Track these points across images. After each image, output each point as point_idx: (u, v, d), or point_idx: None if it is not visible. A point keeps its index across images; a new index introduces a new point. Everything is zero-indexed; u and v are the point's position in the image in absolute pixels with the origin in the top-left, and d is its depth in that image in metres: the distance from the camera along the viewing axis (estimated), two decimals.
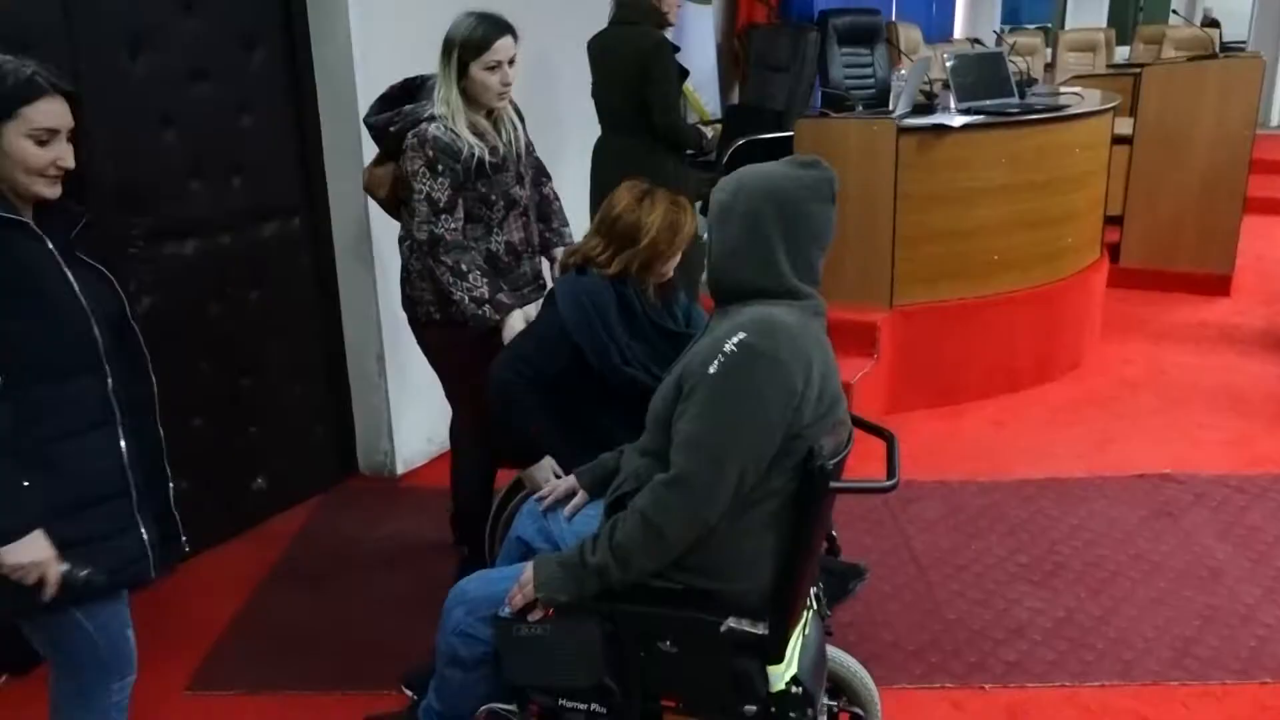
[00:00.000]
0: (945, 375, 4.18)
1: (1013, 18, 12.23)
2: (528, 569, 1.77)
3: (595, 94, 3.88)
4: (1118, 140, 4.97)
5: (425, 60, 2.78)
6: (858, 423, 1.93)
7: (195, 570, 3.09)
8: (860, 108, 4.70)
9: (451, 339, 2.68)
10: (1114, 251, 5.52)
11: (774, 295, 1.71)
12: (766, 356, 1.62)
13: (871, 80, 6.15)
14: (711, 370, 1.64)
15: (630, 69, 3.61)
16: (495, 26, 2.50)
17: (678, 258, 2.37)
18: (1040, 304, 4.34)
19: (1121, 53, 9.91)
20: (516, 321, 2.55)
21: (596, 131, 3.96)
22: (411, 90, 2.68)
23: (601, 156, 3.88)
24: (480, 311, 2.52)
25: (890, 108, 4.36)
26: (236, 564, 3.18)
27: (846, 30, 6.06)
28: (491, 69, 2.50)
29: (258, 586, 3.06)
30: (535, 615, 1.74)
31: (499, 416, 2.36)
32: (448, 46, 2.49)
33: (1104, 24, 11.85)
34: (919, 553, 3.09)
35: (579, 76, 3.95)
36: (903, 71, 4.55)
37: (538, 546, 2.07)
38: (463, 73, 2.49)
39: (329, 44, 3.38)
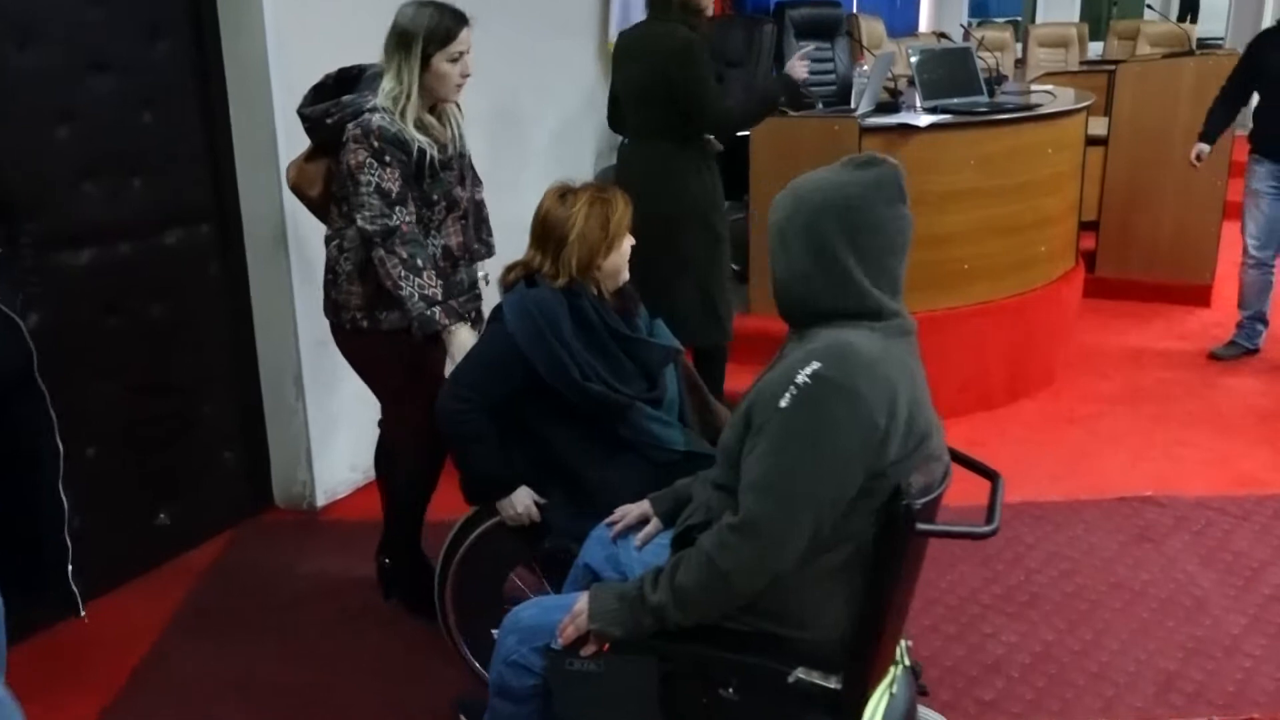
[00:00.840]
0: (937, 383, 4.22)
1: (981, 11, 12.49)
2: (583, 599, 1.76)
3: (620, 97, 3.79)
4: (1092, 141, 5.09)
5: (346, 52, 2.77)
6: (957, 458, 1.87)
7: (92, 616, 3.00)
8: (820, 105, 4.76)
9: (379, 349, 2.71)
10: (1089, 260, 5.64)
11: (853, 316, 1.66)
12: (844, 390, 1.57)
13: (832, 76, 6.22)
14: (783, 404, 1.60)
15: (656, 71, 3.53)
16: (457, 17, 2.59)
17: (619, 253, 2.40)
18: (1013, 316, 4.42)
19: (1095, 48, 10.16)
20: (464, 335, 2.54)
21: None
22: (347, 81, 2.71)
23: (628, 165, 3.77)
24: (429, 313, 2.52)
25: (852, 106, 4.42)
26: (137, 609, 3.11)
27: (805, 23, 6.12)
28: (454, 60, 2.60)
29: (161, 633, 2.99)
30: (588, 650, 1.73)
31: (454, 454, 2.40)
32: (406, 38, 2.55)
33: (1076, 18, 12.15)
34: None
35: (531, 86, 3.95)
36: (865, 67, 4.62)
37: (605, 575, 2.07)
38: (424, 65, 2.56)
39: (241, 34, 3.34)
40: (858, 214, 1.65)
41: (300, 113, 2.69)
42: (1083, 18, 12.36)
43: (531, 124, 4.56)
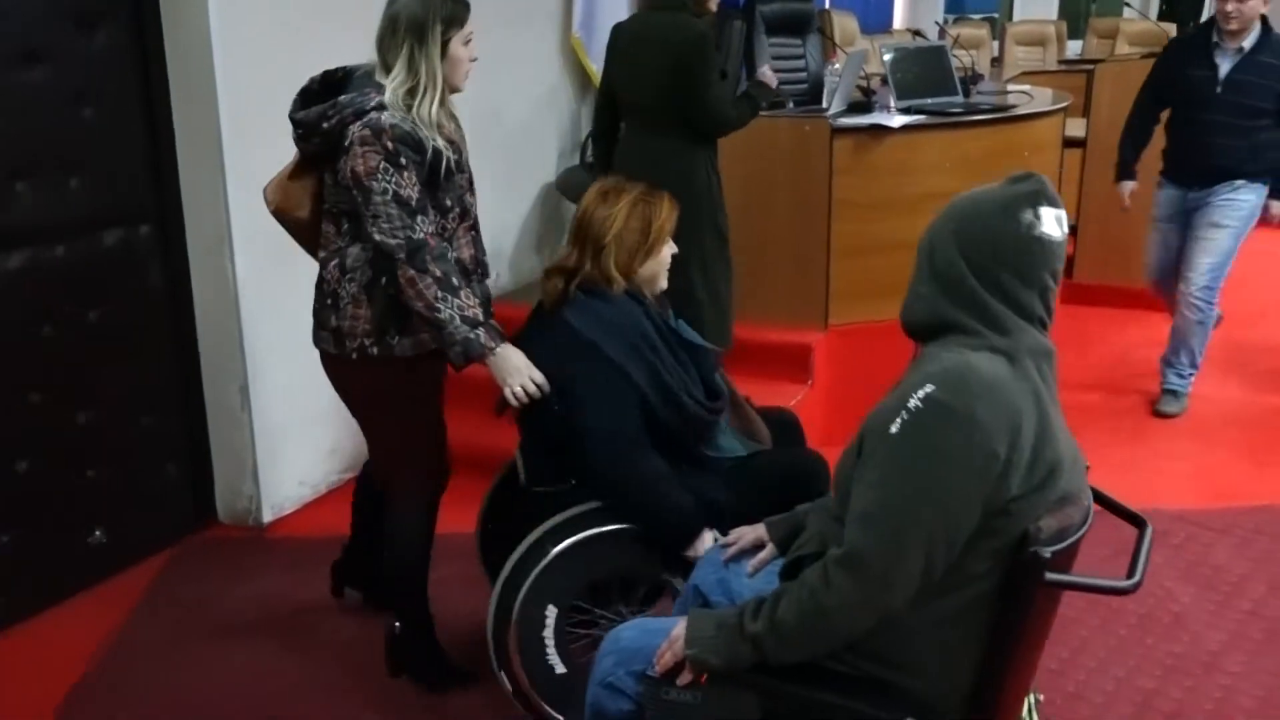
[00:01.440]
0: (828, 416, 4.23)
1: (957, 7, 12.61)
2: (681, 623, 1.73)
3: (619, 87, 3.77)
4: (1069, 143, 5.16)
5: (298, 42, 2.74)
6: (1100, 500, 1.81)
7: (20, 642, 2.98)
8: (791, 104, 4.80)
9: (392, 378, 2.54)
10: (1068, 265, 5.70)
11: (971, 332, 1.61)
12: (958, 415, 1.52)
13: (804, 74, 6.24)
14: (893, 430, 1.56)
15: (666, 61, 3.53)
16: None
17: (658, 260, 2.44)
18: None
19: (1074, 47, 10.30)
20: (514, 357, 2.39)
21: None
22: (333, 85, 2.53)
23: (628, 157, 3.74)
24: (473, 335, 2.36)
25: (824, 105, 4.46)
26: (70, 633, 3.07)
27: (776, 18, 6.14)
28: (467, 43, 2.49)
29: (95, 660, 2.95)
30: (684, 679, 1.71)
31: (644, 511, 2.28)
32: (418, 23, 2.39)
33: (1054, 16, 12.31)
34: None
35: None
36: (837, 66, 4.66)
37: (715, 600, 2.05)
38: (443, 51, 2.44)
39: (183, 25, 3.32)
40: (978, 223, 1.63)
41: (292, 118, 2.47)
42: (1061, 15, 12.52)
43: (489, 121, 4.55)
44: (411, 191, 2.37)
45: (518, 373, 2.38)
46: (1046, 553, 1.52)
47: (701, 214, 3.55)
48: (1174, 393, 4.59)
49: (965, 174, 4.24)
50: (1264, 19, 4.18)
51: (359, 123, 2.37)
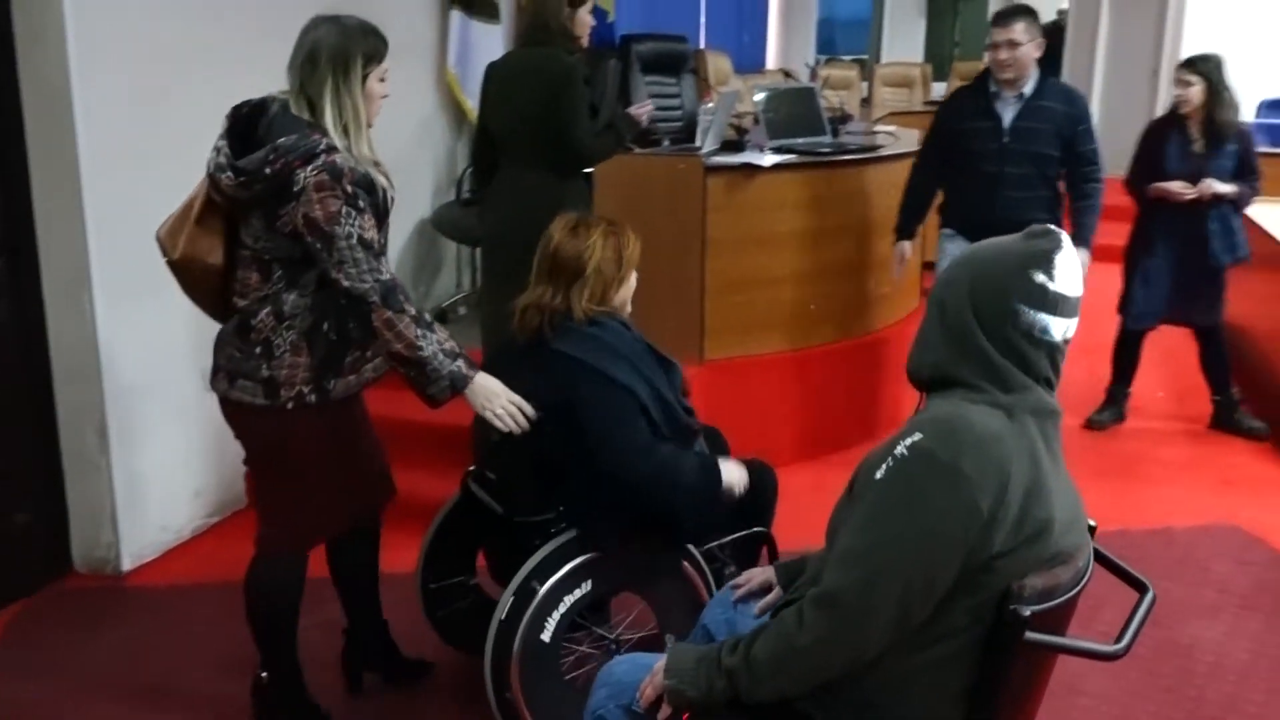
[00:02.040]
0: (762, 435, 4.32)
1: (828, 48, 13.02)
2: (664, 657, 1.74)
3: (494, 123, 3.78)
4: None
5: (160, 67, 2.67)
6: (1103, 561, 1.82)
7: None
8: (667, 142, 4.87)
9: (326, 423, 2.47)
10: None
11: (976, 388, 1.61)
12: (943, 465, 1.52)
13: (679, 112, 6.37)
14: (879, 475, 1.57)
15: (537, 95, 3.56)
16: (378, 33, 2.45)
17: (628, 286, 2.55)
18: (860, 356, 4.59)
19: (938, 89, 10.72)
20: (490, 382, 2.41)
21: None
22: (254, 121, 2.39)
23: (503, 193, 3.76)
24: (456, 367, 2.36)
25: (697, 144, 4.54)
26: None
27: (651, 57, 6.26)
28: (382, 79, 2.47)
29: None
30: (664, 713, 1.72)
31: (678, 494, 2.42)
32: (343, 56, 2.34)
33: (920, 59, 12.80)
34: None
35: None
36: (710, 105, 4.75)
37: (720, 639, 2.04)
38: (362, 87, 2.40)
39: (38, 45, 3.21)
40: (990, 279, 1.62)
41: (235, 166, 2.32)
42: (927, 58, 13.04)
43: None
44: (373, 234, 2.35)
45: (497, 397, 2.40)
46: (1026, 611, 1.52)
47: None
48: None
49: (834, 212, 4.38)
50: (1041, 63, 4.10)
51: (310, 167, 2.29)
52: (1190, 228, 4.57)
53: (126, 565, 3.58)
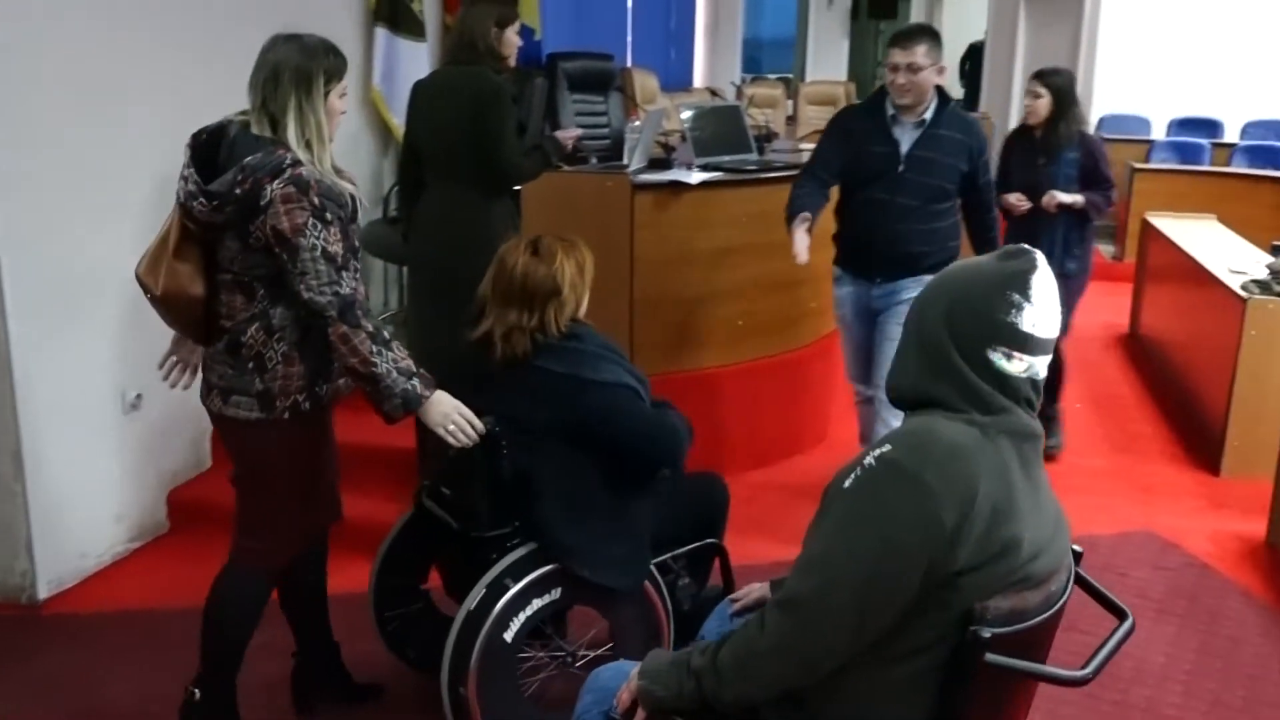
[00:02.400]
0: (695, 449, 4.36)
1: (754, 67, 13.17)
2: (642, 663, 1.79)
3: (421, 142, 3.76)
4: None
5: (75, 92, 2.63)
6: (1087, 588, 1.81)
7: None
8: (595, 160, 4.89)
9: (317, 428, 2.52)
10: None
11: (955, 408, 1.61)
12: (908, 476, 1.52)
13: (606, 130, 6.40)
14: (846, 485, 1.58)
15: (465, 114, 3.55)
16: (338, 51, 2.49)
17: (587, 297, 2.64)
18: (786, 372, 4.64)
19: None
20: (446, 402, 2.44)
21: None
22: (214, 146, 2.42)
23: (430, 211, 3.74)
24: (410, 385, 2.39)
25: (625, 161, 4.56)
26: None
27: (578, 76, 6.28)
28: (343, 96, 2.50)
29: None
30: (639, 716, 1.75)
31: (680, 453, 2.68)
32: (305, 74, 2.38)
33: (844, 77, 13.00)
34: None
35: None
36: (637, 123, 4.79)
37: None
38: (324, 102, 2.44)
39: None
40: (966, 300, 1.62)
41: (206, 191, 2.35)
42: (850, 76, 13.24)
43: None
44: (338, 247, 2.37)
45: (450, 414, 2.44)
46: (986, 633, 1.50)
47: None
48: None
49: (760, 229, 4.41)
50: (940, 89, 3.76)
51: (278, 180, 2.33)
52: (1035, 239, 4.45)
53: (43, 593, 3.49)
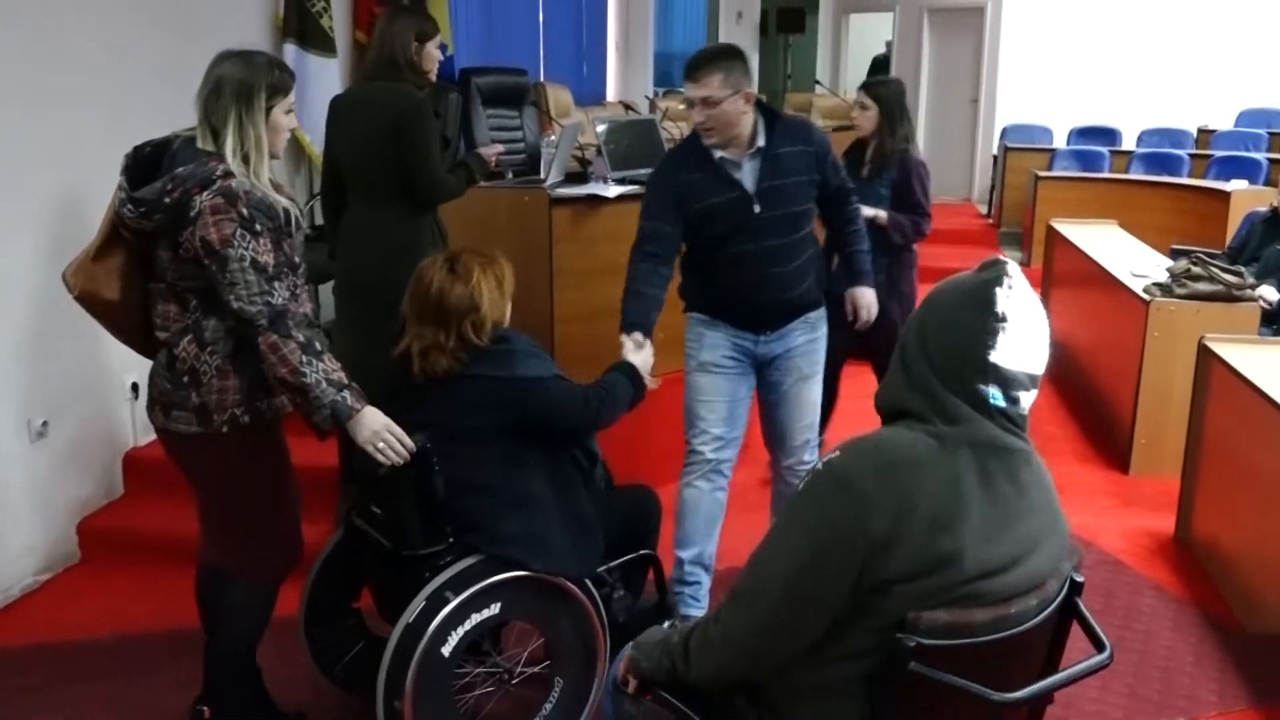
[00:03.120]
0: (619, 461, 4.36)
1: (666, 81, 13.23)
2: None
3: (341, 159, 3.71)
4: None
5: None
6: (1076, 616, 1.78)
7: None
8: (510, 175, 4.89)
9: (263, 444, 2.50)
10: None
11: (923, 419, 1.62)
12: (844, 483, 1.56)
13: (522, 145, 6.40)
14: (799, 487, 1.66)
15: (387, 130, 3.51)
16: (284, 66, 2.51)
17: (509, 306, 2.68)
18: None
19: None
20: (375, 418, 2.44)
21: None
22: (157, 159, 2.44)
23: (354, 228, 3.69)
24: (340, 397, 2.39)
25: (542, 175, 4.57)
26: None
27: (491, 90, 6.28)
28: (288, 111, 2.51)
29: None
30: (631, 685, 1.92)
31: (612, 417, 2.80)
32: (246, 89, 2.41)
33: (754, 89, 13.16)
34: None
35: None
36: (553, 137, 4.79)
37: None
38: (266, 117, 2.44)
39: None
40: (940, 311, 1.64)
41: (134, 198, 2.37)
42: (760, 89, 13.40)
43: None
44: (268, 258, 2.37)
45: (380, 431, 2.43)
46: (911, 642, 1.50)
47: None
48: None
49: None
50: (761, 104, 3.17)
51: (207, 191, 2.34)
52: None
53: None
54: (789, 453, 3.39)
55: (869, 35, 13.88)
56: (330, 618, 2.87)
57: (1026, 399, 1.66)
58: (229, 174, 2.37)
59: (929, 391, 1.62)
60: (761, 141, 3.11)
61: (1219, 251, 5.76)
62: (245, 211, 2.35)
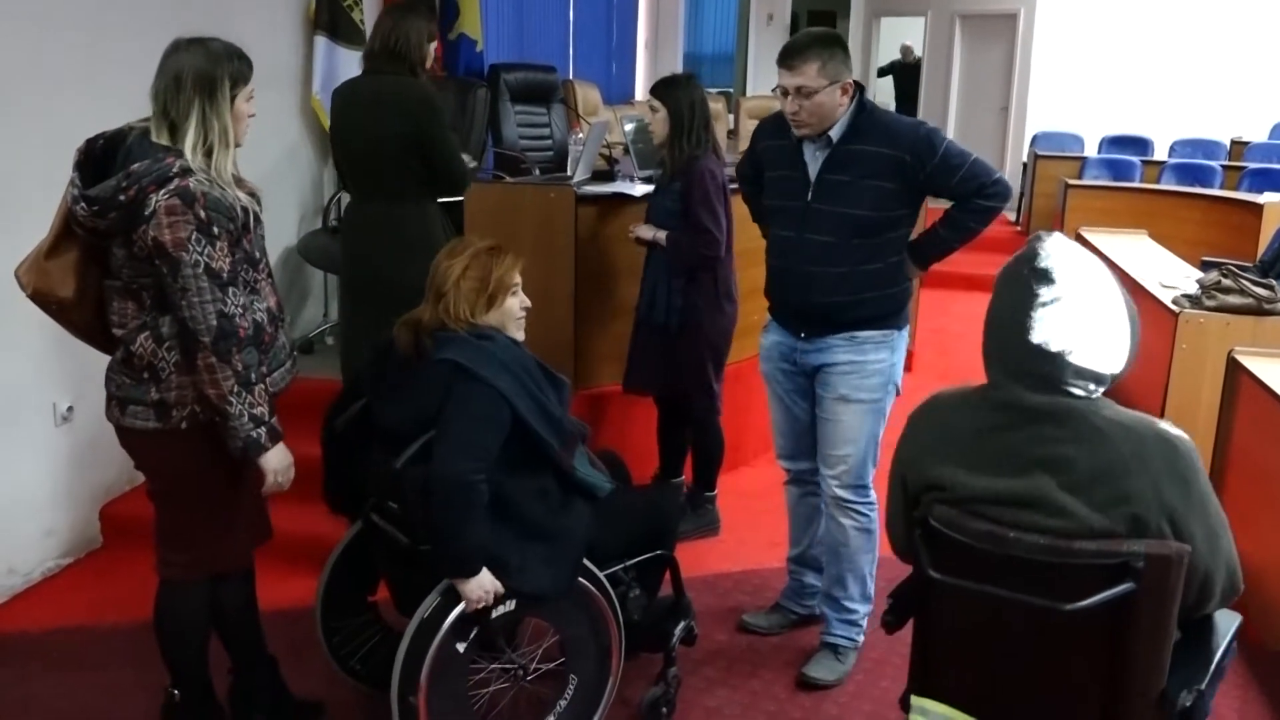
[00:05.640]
0: (637, 461, 4.35)
1: None
2: None
3: (346, 151, 3.73)
4: None
5: None
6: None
7: None
8: (537, 171, 4.89)
9: (217, 441, 2.46)
10: None
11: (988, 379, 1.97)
12: (909, 418, 2.10)
13: (549, 141, 6.41)
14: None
15: (396, 123, 3.51)
16: (243, 55, 2.47)
17: (501, 310, 2.61)
18: (731, 384, 4.65)
19: None
20: (285, 456, 2.47)
21: None
22: (111, 153, 2.38)
23: (362, 228, 3.71)
24: (255, 434, 2.39)
25: (568, 173, 4.57)
26: None
27: (520, 87, 6.29)
28: (249, 100, 2.48)
29: None
30: None
31: (447, 526, 2.41)
32: (209, 79, 2.36)
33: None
34: None
35: None
36: (580, 135, 4.79)
37: None
38: (230, 107, 2.41)
39: None
40: (996, 284, 1.95)
41: (86, 195, 2.30)
42: None
43: None
44: (223, 263, 2.34)
45: (284, 470, 2.46)
46: (929, 514, 1.97)
47: None
48: (834, 648, 3.22)
49: None
50: (859, 92, 2.99)
51: (163, 191, 2.28)
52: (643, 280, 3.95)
53: None
54: (824, 477, 3.21)
55: (900, 39, 13.81)
56: (346, 611, 2.88)
57: (1076, 359, 1.85)
58: (186, 171, 2.31)
59: (984, 357, 1.95)
60: (835, 134, 2.95)
61: (1250, 264, 5.69)
62: (203, 214, 2.30)
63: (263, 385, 2.42)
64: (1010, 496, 1.85)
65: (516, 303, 2.65)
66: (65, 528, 3.76)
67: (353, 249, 3.76)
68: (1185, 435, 1.87)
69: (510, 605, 2.53)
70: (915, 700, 2.06)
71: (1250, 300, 4.45)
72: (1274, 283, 4.70)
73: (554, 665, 2.69)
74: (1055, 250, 1.86)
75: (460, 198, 3.77)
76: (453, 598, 2.46)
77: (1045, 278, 1.85)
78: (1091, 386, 1.88)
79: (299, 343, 4.93)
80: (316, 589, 2.86)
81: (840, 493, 3.15)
